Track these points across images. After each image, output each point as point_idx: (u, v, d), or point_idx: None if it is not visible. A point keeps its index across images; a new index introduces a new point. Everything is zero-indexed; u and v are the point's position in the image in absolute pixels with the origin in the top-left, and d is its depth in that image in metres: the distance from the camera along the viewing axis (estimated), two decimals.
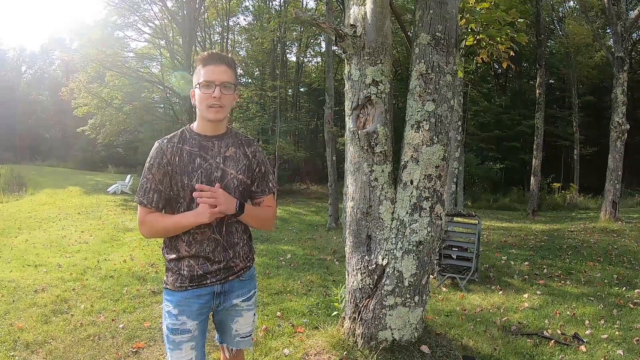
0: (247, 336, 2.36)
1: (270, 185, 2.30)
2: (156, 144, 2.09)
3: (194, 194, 2.00)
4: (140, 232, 2.13)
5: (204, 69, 2.03)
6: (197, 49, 20.80)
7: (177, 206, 2.09)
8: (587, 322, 4.66)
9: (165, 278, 2.20)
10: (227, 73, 2.05)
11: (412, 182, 3.52)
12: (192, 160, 2.07)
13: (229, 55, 2.17)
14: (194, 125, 2.15)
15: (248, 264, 2.27)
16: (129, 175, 21.85)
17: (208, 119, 2.08)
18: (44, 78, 48.18)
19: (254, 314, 2.36)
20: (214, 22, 25.46)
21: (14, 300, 5.16)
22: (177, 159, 2.05)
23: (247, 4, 26.96)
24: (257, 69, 29.41)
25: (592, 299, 5.48)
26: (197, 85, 2.04)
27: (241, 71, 27.29)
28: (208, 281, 2.13)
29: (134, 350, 3.89)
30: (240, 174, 2.16)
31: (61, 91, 21.12)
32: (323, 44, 26.08)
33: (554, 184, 20.08)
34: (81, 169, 34.65)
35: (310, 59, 32.55)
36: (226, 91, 2.04)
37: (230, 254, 2.16)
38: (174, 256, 2.12)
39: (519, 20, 5.19)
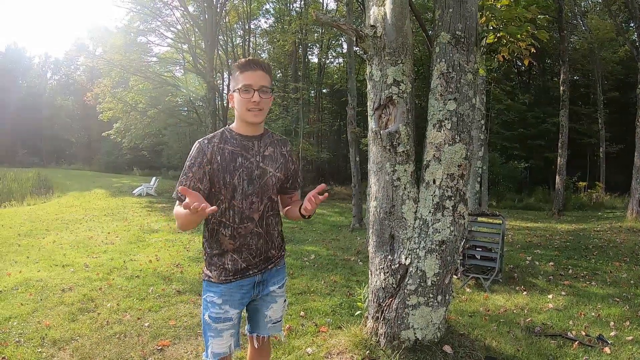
0: (278, 322, 2.49)
1: (299, 181, 2.50)
2: (197, 144, 2.19)
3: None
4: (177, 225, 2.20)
5: (242, 75, 2.14)
6: (219, 52, 21.01)
7: (217, 203, 2.20)
8: (612, 323, 4.58)
9: (206, 272, 2.31)
10: (264, 78, 2.16)
11: (434, 182, 3.52)
12: (234, 159, 2.19)
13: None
14: (233, 126, 2.27)
15: (282, 253, 2.46)
16: (154, 178, 22.14)
17: (248, 122, 2.20)
18: (69, 83, 49.12)
19: (285, 300, 2.53)
20: (235, 26, 25.69)
21: (41, 299, 5.27)
22: (218, 158, 2.17)
23: (267, 6, 27.12)
24: (279, 71, 29.57)
25: (617, 300, 5.39)
26: (237, 90, 2.15)
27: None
28: (250, 272, 2.29)
29: (159, 348, 3.96)
30: (278, 172, 2.31)
31: (86, 96, 21.48)
32: (344, 45, 26.09)
33: (580, 183, 19.75)
34: (106, 172, 35.32)
35: (332, 60, 32.61)
36: (264, 95, 2.15)
37: (269, 245, 2.33)
38: (217, 251, 2.26)
39: (539, 16, 5.14)
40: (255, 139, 2.26)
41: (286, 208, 2.49)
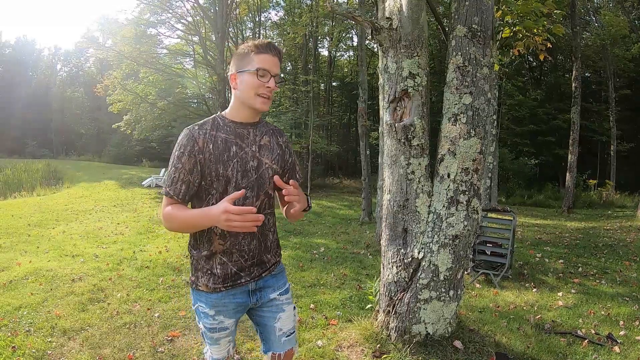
0: (292, 333, 2.24)
1: (298, 176, 2.26)
2: (185, 131, 1.96)
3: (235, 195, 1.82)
4: (163, 225, 1.99)
5: (258, 56, 1.94)
6: (230, 45, 20.98)
7: (207, 198, 1.97)
8: (621, 322, 4.55)
9: (193, 279, 2.09)
10: (278, 66, 1.99)
11: (449, 176, 3.49)
12: (228, 148, 1.96)
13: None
14: (227, 113, 2.04)
15: (278, 259, 2.22)
16: (163, 169, 22.23)
17: (255, 107, 1.98)
18: (78, 75, 49.39)
19: (294, 308, 2.28)
20: (245, 18, 25.67)
21: (52, 289, 5.31)
22: (211, 147, 1.93)
23: None
24: (289, 64, 29.52)
25: (627, 299, 5.34)
26: (248, 71, 1.94)
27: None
28: (242, 280, 2.05)
29: (169, 338, 3.97)
30: (274, 164, 2.08)
31: (96, 88, 21.54)
32: (355, 38, 26.06)
33: (590, 181, 19.63)
34: (116, 163, 35.44)
35: (342, 53, 32.55)
36: (277, 84, 2.00)
37: (262, 247, 2.09)
38: (205, 252, 2.02)
39: (555, 11, 5.08)
40: (250, 127, 2.03)
41: (285, 207, 2.19)
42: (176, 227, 1.96)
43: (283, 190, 1.89)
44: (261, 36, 26.46)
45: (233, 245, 2.00)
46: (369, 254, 7.76)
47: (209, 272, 2.02)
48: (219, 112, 2.08)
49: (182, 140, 1.94)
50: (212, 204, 1.92)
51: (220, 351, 2.15)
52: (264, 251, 2.10)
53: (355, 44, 27.33)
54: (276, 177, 1.92)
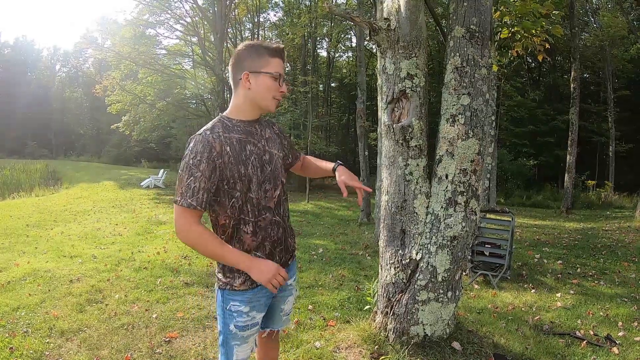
0: (289, 313, 2.38)
1: (297, 151, 2.42)
2: (198, 137, 1.92)
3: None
4: (181, 237, 1.94)
5: (274, 60, 2.02)
6: (228, 45, 20.99)
7: (230, 202, 1.98)
8: (620, 323, 4.54)
9: (226, 280, 2.07)
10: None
11: (447, 177, 3.49)
12: (243, 147, 1.99)
13: None
14: (232, 113, 2.07)
15: (295, 242, 2.32)
16: (161, 170, 22.26)
17: (268, 109, 2.07)
18: (77, 76, 49.40)
19: (296, 290, 2.42)
20: (244, 19, 25.67)
21: (49, 290, 5.29)
22: (228, 149, 1.94)
23: None
24: (288, 65, 29.52)
25: (626, 300, 5.33)
26: (266, 74, 2.00)
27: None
28: None
29: (167, 339, 3.96)
30: (280, 152, 2.19)
31: (95, 88, 21.53)
32: (354, 39, 26.06)
33: (589, 182, 19.64)
34: (115, 164, 35.45)
35: (341, 54, 32.62)
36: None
37: (287, 233, 2.19)
38: None
39: (554, 12, 5.08)
40: (255, 123, 2.09)
41: (304, 169, 2.48)
42: (202, 250, 1.94)
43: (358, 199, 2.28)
44: (260, 37, 26.45)
45: (264, 238, 2.06)
46: (367, 255, 7.76)
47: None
48: (220, 114, 2.11)
49: (196, 147, 1.89)
50: (238, 207, 1.98)
51: (246, 350, 2.16)
52: (288, 236, 2.19)
53: (354, 44, 27.35)
54: (342, 186, 2.19)
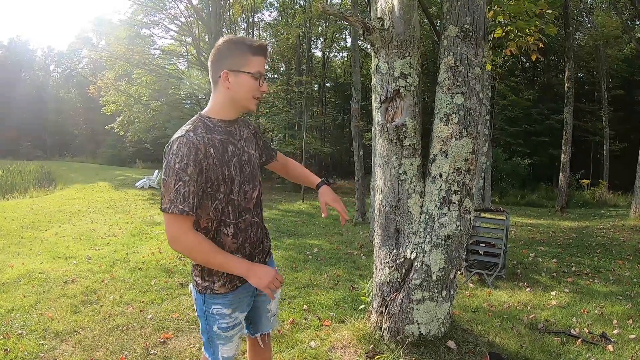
0: (275, 314, 2.37)
1: (272, 149, 2.41)
2: (182, 140, 1.82)
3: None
4: (175, 246, 1.85)
5: (256, 59, 1.93)
6: None
7: (213, 204, 1.92)
8: (615, 321, 4.56)
9: (206, 284, 2.02)
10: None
11: (441, 176, 3.49)
12: (225, 149, 1.93)
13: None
14: (211, 113, 2.00)
15: (270, 242, 2.29)
16: (156, 171, 22.19)
17: (249, 108, 2.01)
18: (72, 76, 49.20)
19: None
20: (239, 19, 25.66)
21: (44, 291, 5.28)
22: (212, 151, 1.87)
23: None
24: (282, 65, 29.54)
25: (620, 298, 5.36)
26: (246, 73, 1.92)
27: (267, 67, 27.54)
28: None
29: (162, 340, 3.94)
30: (256, 152, 2.15)
31: (89, 89, 21.47)
32: (348, 39, 26.12)
33: (583, 181, 19.73)
34: (110, 164, 35.32)
35: (335, 54, 32.70)
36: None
37: (264, 232, 2.18)
38: None
39: (547, 11, 5.10)
40: (235, 123, 2.04)
41: (285, 170, 2.47)
42: (199, 257, 1.90)
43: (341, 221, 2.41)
44: (255, 37, 26.42)
45: (244, 240, 2.03)
46: (362, 254, 7.76)
47: (225, 274, 1.99)
48: (199, 113, 2.03)
49: (181, 150, 1.80)
50: (220, 209, 1.94)
51: (232, 349, 2.14)
52: (263, 237, 2.18)
53: (348, 44, 27.45)
54: (322, 207, 2.33)
